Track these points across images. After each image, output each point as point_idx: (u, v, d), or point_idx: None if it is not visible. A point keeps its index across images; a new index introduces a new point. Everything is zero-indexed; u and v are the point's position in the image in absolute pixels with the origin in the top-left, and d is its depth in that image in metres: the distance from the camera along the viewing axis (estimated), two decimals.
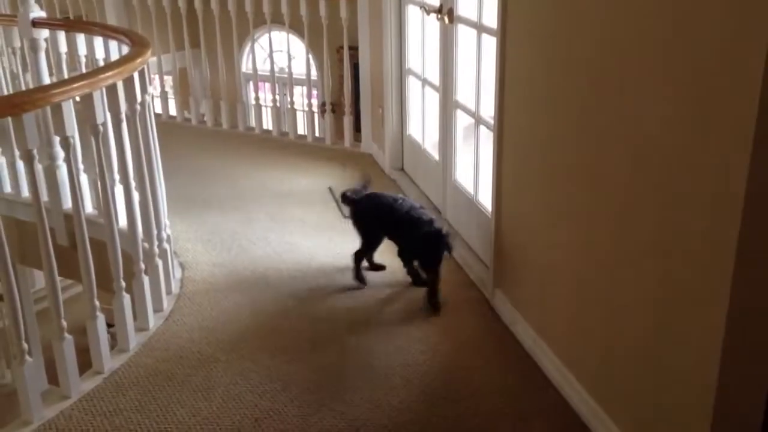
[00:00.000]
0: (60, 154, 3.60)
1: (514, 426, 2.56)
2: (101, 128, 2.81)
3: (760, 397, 1.91)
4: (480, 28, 3.48)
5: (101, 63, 3.69)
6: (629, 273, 2.28)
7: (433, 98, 4.25)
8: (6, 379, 5.57)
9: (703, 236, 1.92)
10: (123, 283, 2.94)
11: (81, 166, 3.64)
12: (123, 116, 2.95)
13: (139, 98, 3.03)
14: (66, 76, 3.81)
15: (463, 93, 3.83)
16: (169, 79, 7.16)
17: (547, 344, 2.85)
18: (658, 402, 2.18)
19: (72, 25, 4.72)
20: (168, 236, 3.45)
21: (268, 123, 6.13)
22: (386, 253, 3.58)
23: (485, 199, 3.57)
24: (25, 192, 3.98)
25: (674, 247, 2.04)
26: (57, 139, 3.40)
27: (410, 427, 2.55)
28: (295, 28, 5.62)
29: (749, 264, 1.81)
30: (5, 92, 4.30)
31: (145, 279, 3.12)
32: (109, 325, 2.93)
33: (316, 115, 5.62)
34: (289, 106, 5.68)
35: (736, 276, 1.81)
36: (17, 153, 3.85)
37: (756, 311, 1.86)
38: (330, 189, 4.68)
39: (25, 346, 2.50)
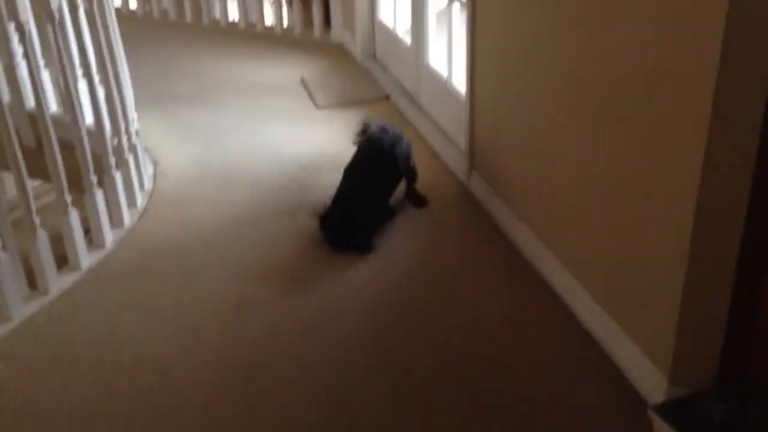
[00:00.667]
0: (18, 50, 3.45)
1: (485, 299, 2.62)
2: (56, 14, 2.68)
3: (729, 270, 1.94)
4: None
5: None
6: (602, 146, 2.27)
7: None
8: None
9: (676, 104, 1.90)
10: (94, 178, 2.89)
11: (41, 62, 3.50)
12: (79, 2, 2.81)
13: None
14: None
15: None
16: None
17: (525, 223, 2.88)
18: (631, 275, 2.23)
19: None
20: (137, 131, 3.38)
21: (233, 14, 5.90)
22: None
23: (459, 83, 3.51)
24: None
25: (648, 115, 2.03)
26: (14, 34, 3.25)
27: (389, 307, 2.60)
28: None
29: (721, 132, 1.80)
30: None
31: (117, 174, 3.06)
32: (86, 231, 2.90)
33: (284, 4, 5.42)
34: None
35: (710, 147, 1.80)
36: None
37: (727, 182, 1.87)
38: (302, 80, 4.58)
39: None
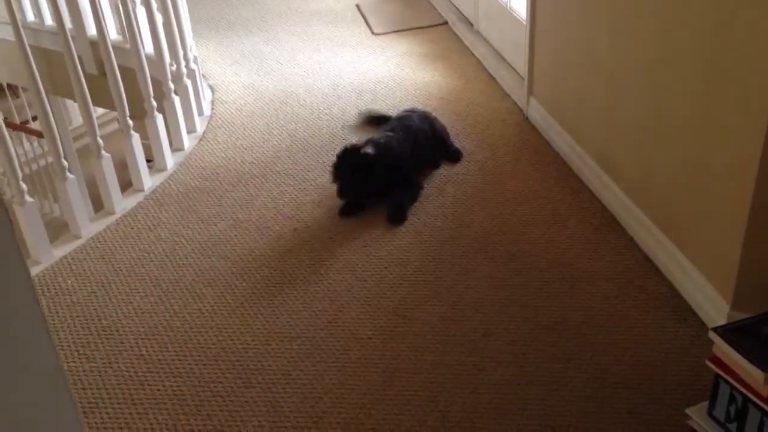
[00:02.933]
0: None
1: (549, 226, 2.59)
2: None
3: None
4: None
5: None
6: (670, 72, 2.18)
7: None
8: (55, 213, 5.80)
9: (748, 27, 1.80)
10: (154, 103, 2.93)
11: None
12: None
13: None
14: None
15: None
16: None
17: (583, 149, 2.81)
18: (694, 201, 2.16)
19: None
20: (194, 57, 3.40)
21: None
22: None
23: (519, 6, 3.40)
24: (49, 20, 3.89)
25: (719, 39, 1.93)
26: None
27: (445, 231, 2.60)
28: None
29: None
30: None
31: (176, 99, 3.10)
32: (148, 161, 2.97)
33: None
34: None
35: None
36: None
37: None
38: (358, 7, 4.48)
39: (65, 163, 2.54)
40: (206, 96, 3.55)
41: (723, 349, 1.64)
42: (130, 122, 2.82)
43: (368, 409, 1.91)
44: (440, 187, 2.84)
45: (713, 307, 2.09)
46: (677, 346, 2.07)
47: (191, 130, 3.27)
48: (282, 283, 2.38)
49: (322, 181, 2.91)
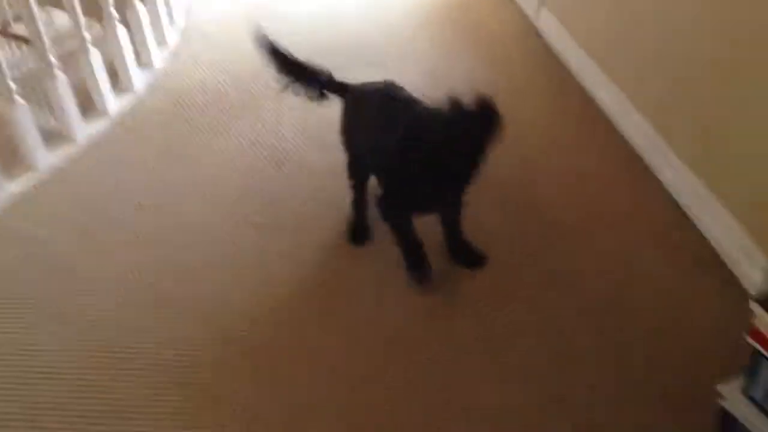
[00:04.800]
0: None
1: (570, 157, 2.31)
2: None
3: None
4: None
5: None
6: None
7: None
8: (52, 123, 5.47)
9: None
10: (113, 11, 2.56)
11: None
12: None
13: None
14: None
15: None
16: None
17: (597, 63, 2.50)
18: (733, 141, 1.88)
19: None
20: None
21: None
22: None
23: None
24: None
25: None
26: None
27: None
28: None
29: None
30: None
31: (140, 7, 2.74)
32: None
33: None
34: None
35: None
36: None
37: None
38: None
39: (12, 85, 2.22)
40: (180, 2, 3.17)
41: (766, 321, 1.40)
42: (88, 35, 2.47)
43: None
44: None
45: (748, 258, 1.85)
46: (707, 303, 1.84)
47: (161, 42, 2.92)
48: (266, 222, 2.11)
49: (305, 104, 2.58)
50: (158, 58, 2.85)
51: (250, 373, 1.69)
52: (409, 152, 1.65)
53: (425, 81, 2.66)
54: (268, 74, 2.72)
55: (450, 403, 1.63)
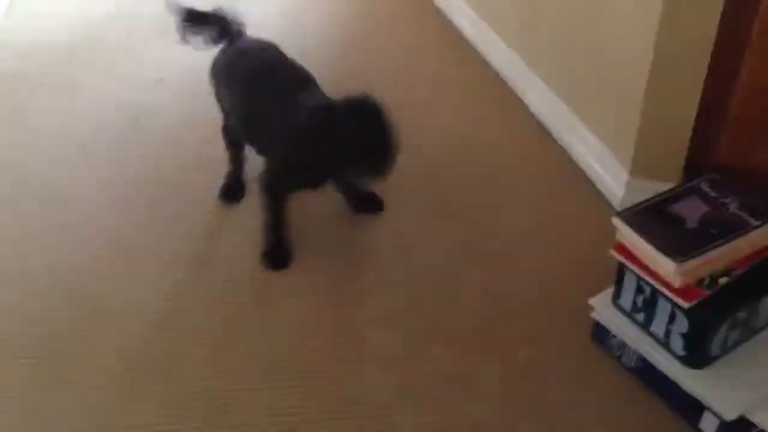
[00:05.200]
0: None
1: (432, 89, 2.30)
2: None
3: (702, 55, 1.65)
4: None
5: None
6: None
7: None
8: None
9: None
10: None
11: None
12: None
13: None
14: None
15: None
16: None
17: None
18: (588, 58, 1.92)
19: None
20: None
21: None
22: None
23: None
24: None
25: None
26: None
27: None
28: None
29: None
30: None
31: None
32: None
33: None
34: None
35: None
36: None
37: None
38: None
39: None
40: None
41: (628, 236, 1.46)
42: None
43: (239, 332, 1.65)
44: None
45: (610, 174, 1.91)
46: (576, 220, 1.89)
47: None
48: (124, 184, 1.99)
49: (162, 52, 2.44)
50: None
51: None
52: (305, 144, 1.61)
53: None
54: (121, 21, 2.57)
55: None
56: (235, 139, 1.90)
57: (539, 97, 2.15)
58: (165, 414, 1.45)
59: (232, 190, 1.95)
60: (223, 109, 1.88)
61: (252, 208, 1.83)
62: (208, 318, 1.67)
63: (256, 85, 1.74)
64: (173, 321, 1.66)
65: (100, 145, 2.11)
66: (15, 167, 2.04)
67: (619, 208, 1.86)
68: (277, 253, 1.79)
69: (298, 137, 1.63)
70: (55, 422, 1.44)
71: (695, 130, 1.74)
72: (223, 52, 1.86)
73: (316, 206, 1.91)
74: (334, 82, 2.29)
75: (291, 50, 1.84)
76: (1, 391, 1.51)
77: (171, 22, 2.52)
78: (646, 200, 1.51)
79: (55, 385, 1.52)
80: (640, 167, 1.81)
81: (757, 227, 1.44)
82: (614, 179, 1.89)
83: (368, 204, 1.92)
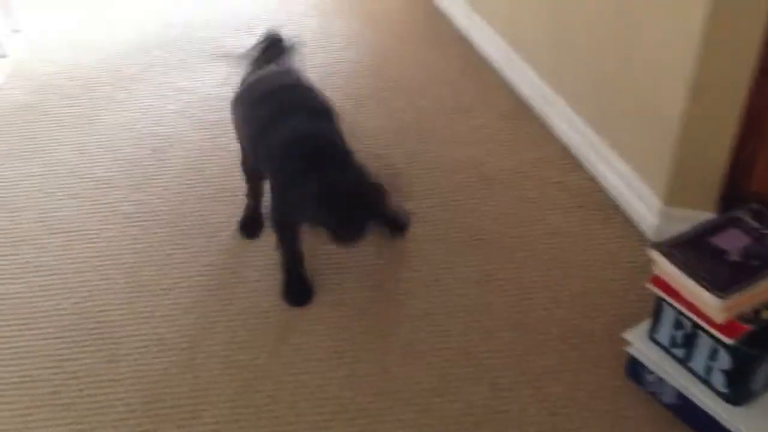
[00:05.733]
0: None
1: (455, 115, 2.26)
2: None
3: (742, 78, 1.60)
4: None
5: None
6: None
7: None
8: None
9: None
10: None
11: None
12: None
13: None
14: None
15: None
16: None
17: (487, 22, 2.45)
18: (621, 87, 1.87)
19: None
20: None
21: None
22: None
23: None
24: None
25: None
26: None
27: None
28: None
29: None
30: None
31: None
32: None
33: None
34: None
35: None
36: None
37: None
38: None
39: None
40: None
41: (667, 270, 1.41)
42: None
43: (264, 371, 1.61)
44: (324, 78, 2.43)
45: (643, 203, 1.86)
46: (607, 251, 1.84)
47: (15, 29, 2.66)
48: (145, 220, 1.97)
49: (183, 85, 2.43)
50: (13, 45, 2.60)
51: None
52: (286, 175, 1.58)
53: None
54: (141, 52, 2.56)
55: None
56: (251, 169, 1.86)
57: (568, 125, 2.11)
58: None
59: (251, 225, 1.91)
60: (240, 139, 1.84)
61: (273, 240, 1.80)
62: (232, 357, 1.63)
63: (262, 110, 1.68)
64: (196, 360, 1.62)
65: (120, 178, 2.09)
66: (35, 201, 2.02)
67: (652, 238, 1.81)
68: (297, 291, 1.75)
69: (282, 167, 1.60)
70: None
71: (733, 157, 1.69)
72: (243, 80, 1.84)
73: None
74: (353, 104, 2.29)
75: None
76: None
77: (191, 53, 2.56)
78: (685, 232, 1.46)
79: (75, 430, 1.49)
80: (674, 196, 1.76)
81: None
82: (647, 208, 1.84)
83: (392, 226, 1.87)
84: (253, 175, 1.87)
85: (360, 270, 1.82)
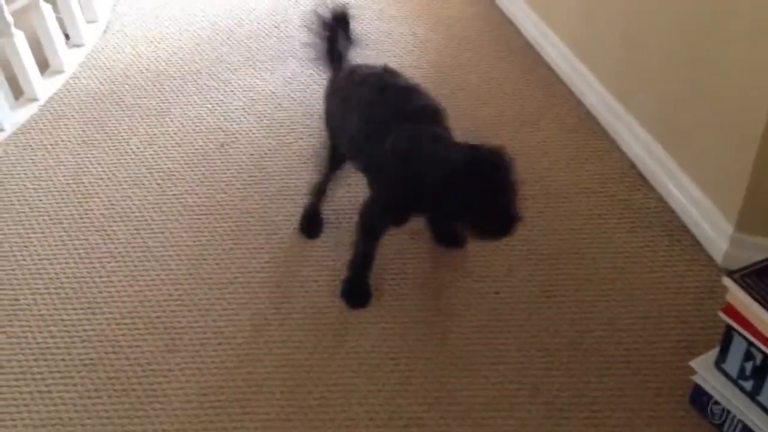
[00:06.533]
0: None
1: (520, 127, 2.24)
2: None
3: None
4: None
5: None
6: None
7: None
8: None
9: None
10: None
11: None
12: None
13: None
14: None
15: None
16: None
17: (554, 32, 2.42)
18: (693, 102, 1.82)
19: None
20: None
21: None
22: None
23: None
24: None
25: None
26: None
27: None
28: None
29: None
30: None
31: None
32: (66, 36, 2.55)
33: None
34: None
35: None
36: None
37: None
38: None
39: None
40: None
41: (740, 298, 1.36)
42: (11, 18, 2.29)
43: (317, 372, 1.61)
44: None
45: (712, 225, 1.81)
46: (673, 273, 1.79)
47: (91, 19, 2.74)
48: (208, 213, 2.00)
49: (251, 82, 2.46)
50: (89, 35, 2.67)
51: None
52: (427, 185, 1.48)
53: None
54: (212, 48, 2.61)
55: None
56: (334, 161, 1.84)
57: (635, 140, 2.06)
58: None
59: (312, 225, 1.92)
60: (332, 129, 1.81)
61: (332, 240, 1.80)
62: (288, 354, 1.64)
63: (375, 112, 1.63)
64: (252, 356, 1.64)
65: (186, 171, 2.13)
66: (104, 189, 2.07)
67: (721, 264, 1.76)
68: (358, 292, 1.75)
69: (409, 172, 1.52)
70: None
71: None
72: (345, 73, 1.78)
73: (399, 242, 1.87)
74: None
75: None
76: (80, 422, 1.51)
77: (260, 50, 2.59)
78: (760, 260, 1.41)
79: (130, 418, 1.52)
80: (747, 221, 1.70)
81: None
82: (717, 232, 1.79)
83: (451, 239, 1.87)
84: (333, 165, 1.85)
85: (419, 277, 1.81)
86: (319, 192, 1.91)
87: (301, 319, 1.71)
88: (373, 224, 1.71)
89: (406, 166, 1.53)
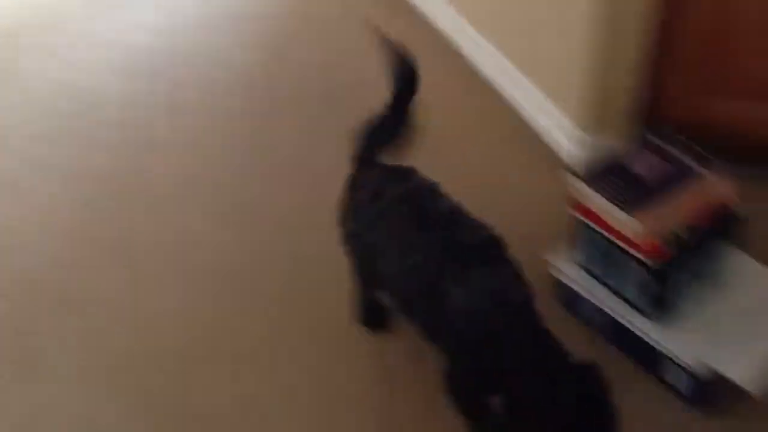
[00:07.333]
0: None
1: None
2: None
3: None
4: None
5: None
6: None
7: None
8: None
9: None
10: None
11: None
12: None
13: None
14: None
15: None
16: None
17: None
18: (532, 12, 1.88)
19: None
20: None
21: None
22: None
23: None
24: None
25: None
26: None
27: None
28: None
29: None
30: None
31: None
32: None
33: None
34: None
35: None
36: None
37: None
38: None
39: None
40: None
41: (588, 196, 1.45)
42: None
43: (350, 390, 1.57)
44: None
45: (562, 132, 1.91)
46: (532, 181, 1.88)
47: None
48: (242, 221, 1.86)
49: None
50: None
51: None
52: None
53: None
54: None
55: None
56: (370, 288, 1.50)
57: (484, 54, 2.12)
58: None
59: (376, 317, 1.58)
60: (361, 258, 1.42)
61: None
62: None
63: (420, 251, 1.26)
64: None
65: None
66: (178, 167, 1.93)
67: (572, 165, 1.86)
68: None
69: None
70: None
71: (645, 81, 1.73)
72: (365, 188, 1.37)
73: None
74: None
75: None
76: (146, 393, 1.48)
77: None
78: (603, 158, 1.51)
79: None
80: (591, 123, 1.80)
81: (712, 178, 1.45)
82: (566, 136, 1.89)
83: None
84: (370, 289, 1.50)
85: None
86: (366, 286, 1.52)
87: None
88: (462, 399, 1.30)
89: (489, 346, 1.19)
